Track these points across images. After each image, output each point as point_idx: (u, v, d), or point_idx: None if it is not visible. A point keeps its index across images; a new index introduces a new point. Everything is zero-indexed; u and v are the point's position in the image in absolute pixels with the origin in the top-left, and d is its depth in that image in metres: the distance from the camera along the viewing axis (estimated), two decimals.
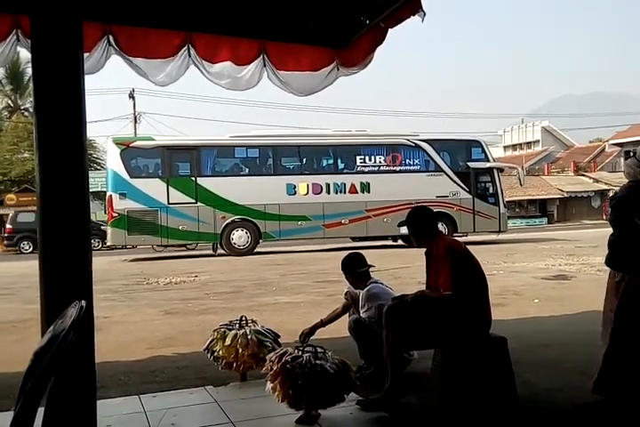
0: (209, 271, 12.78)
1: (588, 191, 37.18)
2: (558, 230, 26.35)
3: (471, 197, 18.54)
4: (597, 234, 21.73)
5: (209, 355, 4.01)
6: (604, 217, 35.52)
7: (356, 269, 4.22)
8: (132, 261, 16.99)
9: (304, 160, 18.60)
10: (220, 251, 17.76)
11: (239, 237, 17.46)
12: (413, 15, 3.62)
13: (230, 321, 4.15)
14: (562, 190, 36.61)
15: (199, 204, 17.08)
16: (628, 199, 3.48)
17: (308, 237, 18.53)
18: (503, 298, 7.16)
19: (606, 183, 37.55)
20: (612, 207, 3.68)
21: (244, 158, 18.16)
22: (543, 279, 9.62)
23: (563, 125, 54.88)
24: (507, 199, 20.96)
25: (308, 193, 17.89)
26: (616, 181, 37.66)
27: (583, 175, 40.59)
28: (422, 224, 3.71)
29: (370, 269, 4.26)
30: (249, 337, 3.85)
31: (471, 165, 18.76)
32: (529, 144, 51.77)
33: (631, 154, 3.66)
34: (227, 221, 17.30)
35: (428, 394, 3.63)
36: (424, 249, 3.74)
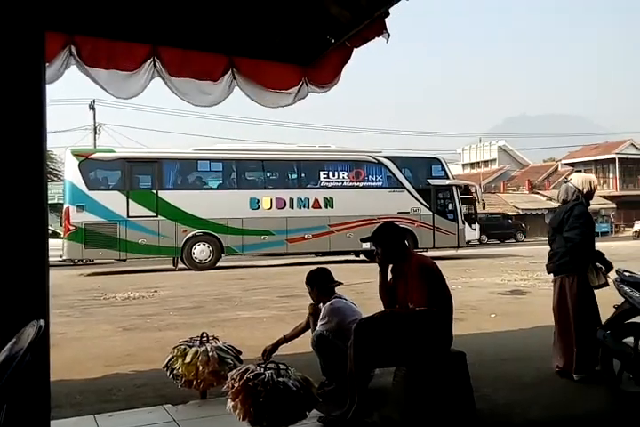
0: (169, 286, 12.56)
1: (541, 209, 38.29)
2: (514, 246, 26.95)
3: (431, 213, 18.88)
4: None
5: (168, 372, 3.92)
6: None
7: (322, 284, 4.22)
8: (88, 275, 16.54)
9: (268, 175, 18.63)
10: (180, 265, 17.48)
11: (201, 251, 17.25)
12: (378, 36, 3.75)
13: (191, 338, 4.08)
14: (517, 208, 37.65)
15: (160, 217, 16.81)
16: (555, 218, 4.40)
17: (271, 252, 18.45)
18: (462, 313, 7.26)
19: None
20: (549, 225, 4.55)
21: (207, 172, 18.04)
22: (500, 294, 9.83)
23: (518, 145, 56.68)
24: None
25: (271, 207, 17.85)
26: None
27: (537, 193, 41.86)
28: (392, 240, 3.74)
29: (335, 286, 4.26)
30: (210, 354, 3.79)
31: (432, 182, 19.15)
32: (486, 163, 53.07)
33: (565, 180, 4.47)
34: (188, 235, 17.08)
35: (389, 409, 3.63)
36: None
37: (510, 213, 37.40)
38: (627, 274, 4.04)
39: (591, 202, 4.44)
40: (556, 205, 31.15)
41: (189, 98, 4.12)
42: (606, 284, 4.30)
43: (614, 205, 40.26)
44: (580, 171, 44.72)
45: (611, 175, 44.35)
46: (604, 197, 41.00)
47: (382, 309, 3.72)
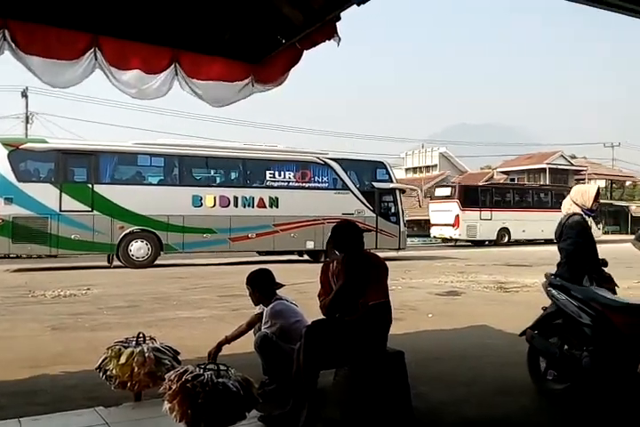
0: (103, 284, 12.11)
1: None
2: (451, 249, 27.69)
3: (375, 215, 19.06)
4: (484, 254, 23.18)
5: (101, 374, 3.78)
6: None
7: (263, 286, 4.19)
8: (15, 271, 15.77)
9: (212, 172, 18.28)
10: (116, 263, 16.89)
11: (138, 248, 16.72)
12: (329, 39, 3.78)
13: (126, 338, 3.95)
14: None
15: (95, 212, 16.14)
16: (556, 230, 4.42)
17: (213, 251, 18.14)
18: (401, 313, 7.39)
19: None
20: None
21: (148, 167, 17.44)
22: (437, 295, 10.05)
23: (458, 152, 58.25)
24: (407, 219, 21.82)
25: (214, 205, 17.49)
26: None
27: None
28: (353, 238, 3.75)
29: (277, 288, 4.24)
30: (146, 355, 3.69)
31: (376, 185, 19.36)
32: (428, 168, 54.29)
33: (569, 195, 4.49)
34: (125, 232, 16.48)
35: (330, 409, 3.65)
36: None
37: None
38: (554, 277, 4.22)
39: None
40: None
41: (131, 90, 4.01)
42: None
43: None
44: (515, 179, 46.71)
45: (542, 183, 46.39)
46: None
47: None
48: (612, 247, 25.74)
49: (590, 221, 4.59)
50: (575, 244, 4.18)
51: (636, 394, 3.55)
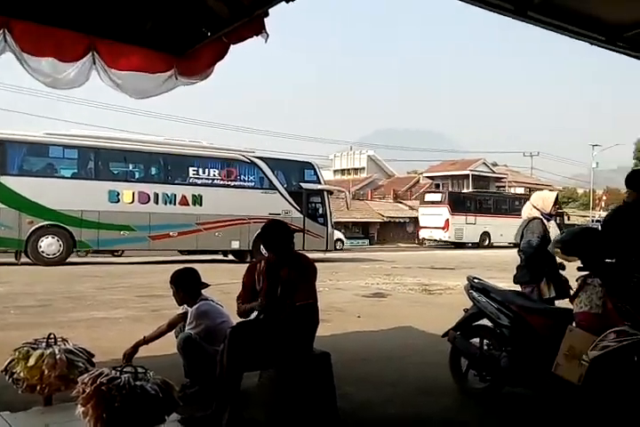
0: (10, 282, 11.38)
1: (404, 217, 40.34)
2: (378, 251, 28.20)
3: (302, 216, 19.00)
4: (410, 256, 23.80)
5: (7, 377, 3.53)
6: (417, 241, 39.01)
7: (189, 285, 4.08)
8: None
9: (131, 166, 17.54)
10: (24, 259, 15.88)
11: (49, 244, 15.77)
12: (257, 35, 3.73)
13: (35, 339, 3.71)
14: (382, 215, 39.36)
15: (1, 205, 15.12)
16: (517, 233, 4.62)
17: (131, 249, 17.49)
18: (328, 314, 7.40)
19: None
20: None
21: (60, 159, 16.52)
22: (363, 297, 10.17)
23: (386, 156, 59.40)
24: (334, 220, 21.96)
25: (133, 202, 16.79)
26: None
27: (400, 203, 44.12)
28: (284, 238, 3.71)
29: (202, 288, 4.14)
30: (57, 357, 3.47)
31: (304, 185, 19.31)
32: (356, 170, 55.04)
33: (529, 200, 4.73)
34: (34, 227, 15.52)
35: (254, 411, 3.60)
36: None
37: (375, 220, 39.12)
38: (475, 280, 4.35)
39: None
40: (417, 214, 33.84)
41: (46, 79, 3.77)
42: (557, 297, 4.45)
43: None
44: (439, 184, 48.39)
45: (465, 190, 48.12)
46: None
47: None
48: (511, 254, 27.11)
49: (550, 225, 4.83)
50: (534, 247, 4.35)
51: (551, 393, 3.69)
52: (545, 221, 4.58)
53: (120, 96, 4.22)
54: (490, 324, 4.14)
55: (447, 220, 31.94)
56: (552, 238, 4.31)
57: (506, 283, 5.07)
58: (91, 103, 34.43)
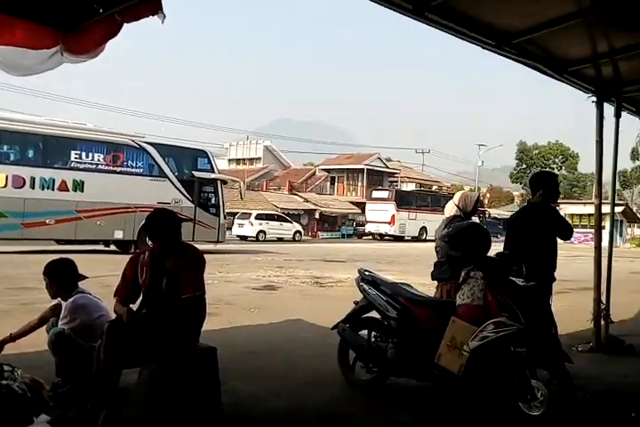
0: None
1: (298, 209, 40.78)
2: (271, 243, 28.23)
3: (193, 206, 18.48)
4: (302, 249, 24.08)
5: None
6: (310, 233, 39.62)
7: (64, 277, 3.84)
8: None
9: (5, 147, 16.06)
10: None
11: None
12: (153, 15, 3.56)
13: None
14: (277, 206, 39.47)
15: None
16: (438, 230, 4.65)
17: (1, 237, 15.88)
18: (216, 307, 7.26)
19: (314, 203, 41.93)
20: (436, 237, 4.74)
21: None
22: (254, 289, 10.11)
23: (283, 147, 59.57)
24: (227, 211, 21.61)
25: (6, 186, 15.38)
26: (322, 202, 42.45)
27: (295, 194, 44.51)
28: (170, 227, 3.56)
29: (79, 280, 3.93)
30: None
31: (196, 174, 18.75)
32: (252, 160, 54.67)
33: (452, 199, 4.78)
34: None
35: (132, 409, 3.45)
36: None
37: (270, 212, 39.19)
38: (366, 273, 4.43)
39: (342, 209, 4.70)
40: (312, 206, 34.39)
41: None
42: None
43: (360, 211, 44.70)
44: (335, 177, 49.33)
45: (359, 184, 49.33)
46: (353, 202, 45.44)
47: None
48: (418, 247, 28.60)
49: (615, 230, 5.02)
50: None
51: (434, 383, 3.85)
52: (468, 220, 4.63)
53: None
54: (379, 316, 4.21)
55: (393, 215, 34.98)
56: None
57: (395, 275, 5.24)
58: None
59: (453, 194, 5.80)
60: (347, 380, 4.35)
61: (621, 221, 36.97)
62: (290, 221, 33.96)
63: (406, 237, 36.50)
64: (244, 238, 31.15)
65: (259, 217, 31.70)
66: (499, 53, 4.71)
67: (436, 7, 3.94)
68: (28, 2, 3.76)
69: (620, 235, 37.12)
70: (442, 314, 3.75)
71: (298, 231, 33.85)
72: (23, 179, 15.64)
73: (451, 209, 4.72)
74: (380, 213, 35.71)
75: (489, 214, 42.70)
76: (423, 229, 36.13)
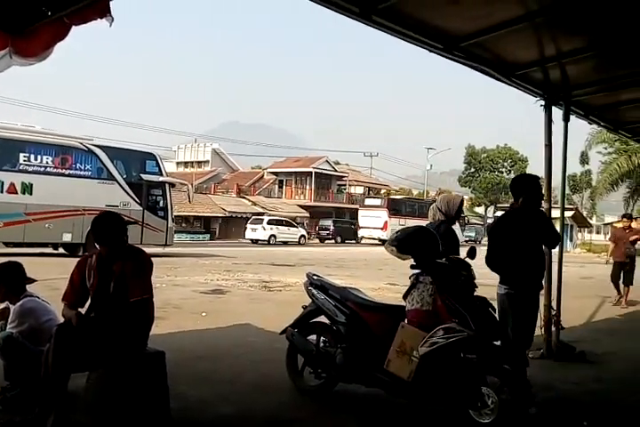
0: None
1: (247, 213, 40.50)
2: (219, 247, 27.93)
3: (141, 208, 18.24)
4: (251, 253, 23.97)
5: None
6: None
7: (11, 280, 3.82)
8: None
9: None
10: None
11: None
12: (101, 18, 3.58)
13: None
14: (225, 210, 39.16)
15: None
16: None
17: None
18: (164, 311, 7.21)
19: (262, 207, 41.81)
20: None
21: None
22: (202, 293, 10.06)
23: (231, 150, 58.86)
24: (175, 214, 21.35)
25: None
26: (270, 205, 42.35)
27: (244, 198, 44.26)
28: (115, 230, 3.56)
29: (27, 283, 3.92)
30: None
31: (144, 177, 18.55)
32: (200, 163, 53.86)
33: (435, 203, 4.65)
34: None
35: (80, 414, 3.44)
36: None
37: (217, 215, 38.79)
38: (315, 277, 4.44)
39: (291, 212, 4.59)
40: (260, 210, 34.45)
41: None
42: None
43: (308, 214, 44.75)
44: (283, 180, 48.96)
45: (307, 187, 49.33)
46: (301, 206, 45.52)
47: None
48: (367, 250, 28.89)
49: (457, 227, 4.88)
50: (445, 251, 4.17)
51: (383, 389, 3.80)
52: (451, 224, 4.58)
53: None
54: (328, 321, 4.21)
55: (386, 221, 37.81)
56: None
57: (343, 280, 5.29)
58: None
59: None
60: (295, 385, 4.34)
61: (571, 226, 38.05)
62: (296, 226, 36.80)
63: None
64: (255, 242, 33.70)
65: (270, 222, 34.71)
66: (446, 57, 4.69)
67: (383, 10, 3.91)
68: None
69: (571, 240, 38.01)
70: (391, 319, 3.73)
71: (302, 235, 36.63)
72: None
73: (434, 214, 4.64)
74: (373, 220, 38.43)
75: (468, 220, 43.85)
76: None
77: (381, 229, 37.92)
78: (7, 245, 17.05)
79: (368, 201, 42.44)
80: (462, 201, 4.75)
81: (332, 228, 40.98)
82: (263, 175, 52.02)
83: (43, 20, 3.84)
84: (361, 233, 40.25)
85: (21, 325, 3.68)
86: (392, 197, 45.82)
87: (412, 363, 3.41)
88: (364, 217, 39.83)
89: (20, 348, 3.62)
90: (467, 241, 42.28)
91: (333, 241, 40.55)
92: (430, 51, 4.59)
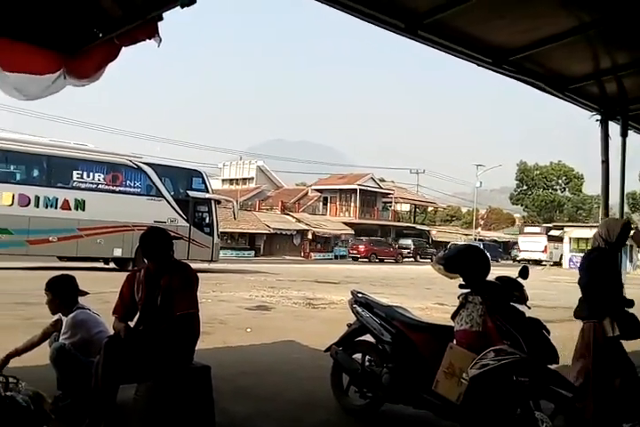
0: None
1: (291, 230, 40.86)
2: (263, 263, 28.21)
3: (188, 225, 18.62)
4: (295, 269, 24.05)
5: None
6: (303, 254, 39.58)
7: (65, 293, 3.93)
8: None
9: (11, 167, 16.58)
10: None
11: None
12: (149, 39, 3.70)
13: None
14: (269, 226, 39.49)
15: None
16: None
17: (7, 253, 16.15)
18: (210, 326, 7.28)
19: (306, 223, 41.97)
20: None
21: None
22: (247, 309, 10.13)
23: (275, 167, 59.46)
24: (220, 230, 21.68)
25: (12, 204, 15.81)
26: (314, 222, 42.50)
27: (288, 214, 44.54)
28: (162, 245, 3.64)
29: (80, 296, 4.02)
30: None
31: (191, 193, 18.98)
32: (245, 180, 54.71)
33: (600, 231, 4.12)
34: None
35: (130, 424, 3.51)
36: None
37: (262, 232, 39.15)
38: (360, 295, 4.38)
39: (335, 229, 4.44)
40: (304, 227, 34.72)
41: None
42: (623, 337, 3.82)
43: (353, 232, 44.48)
44: (327, 197, 49.07)
45: (352, 204, 49.20)
46: (346, 223, 45.38)
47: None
48: (411, 269, 28.56)
49: (624, 255, 4.54)
50: (591, 281, 3.90)
51: (431, 411, 3.70)
52: (612, 251, 4.07)
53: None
54: (373, 339, 4.13)
55: (545, 246, 44.78)
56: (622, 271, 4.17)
57: (389, 299, 5.22)
58: None
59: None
60: (340, 404, 4.28)
61: (631, 246, 36.54)
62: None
63: (550, 262, 43.45)
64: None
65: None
66: (496, 71, 4.56)
67: (428, 25, 3.86)
68: (32, 27, 3.90)
69: (630, 260, 36.54)
70: (439, 340, 3.64)
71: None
72: (28, 197, 16.08)
73: (594, 240, 4.09)
74: (534, 244, 44.85)
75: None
76: (561, 255, 44.17)
77: (542, 251, 44.74)
78: (61, 259, 17.82)
79: (527, 229, 49.63)
80: (626, 225, 4.10)
81: (412, 247, 45.17)
82: (307, 192, 52.14)
83: (94, 41, 3.99)
84: (521, 255, 45.66)
85: (74, 336, 3.78)
86: (546, 225, 51.06)
87: (461, 385, 3.30)
88: (525, 242, 46.21)
89: (72, 359, 3.71)
90: (518, 261, 43.56)
91: (412, 259, 42.67)
92: (479, 65, 4.49)
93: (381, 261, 39.40)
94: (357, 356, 4.26)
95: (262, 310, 10.13)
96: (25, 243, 15.99)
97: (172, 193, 18.69)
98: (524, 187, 61.92)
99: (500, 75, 4.70)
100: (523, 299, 3.51)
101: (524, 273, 3.62)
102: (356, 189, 48.34)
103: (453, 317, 3.64)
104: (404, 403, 3.91)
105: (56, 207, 16.51)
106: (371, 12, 3.71)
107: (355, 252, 40.30)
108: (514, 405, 3.31)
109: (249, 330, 7.78)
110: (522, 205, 62.37)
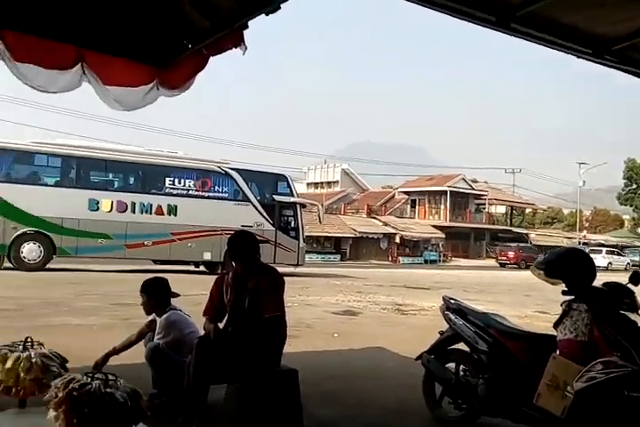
0: None
1: (377, 233, 40.47)
2: (350, 268, 28.14)
3: (274, 229, 18.97)
4: (383, 274, 23.79)
5: None
6: (390, 258, 39.14)
7: (159, 294, 4.08)
8: None
9: (110, 176, 17.80)
10: (6, 264, 15.96)
11: (30, 250, 15.84)
12: (235, 47, 3.80)
13: (13, 342, 3.65)
14: (355, 230, 39.36)
15: None
16: None
17: (107, 257, 17.35)
18: (297, 330, 7.31)
19: (393, 227, 41.45)
20: None
21: (45, 167, 16.76)
22: (334, 314, 10.08)
23: (360, 169, 59.14)
24: (306, 234, 21.89)
25: (111, 210, 16.90)
26: (401, 226, 41.91)
27: (374, 218, 44.15)
28: (249, 248, 3.72)
29: (172, 297, 4.15)
30: (33, 360, 3.43)
31: (277, 198, 19.31)
32: (329, 184, 54.76)
33: None
34: (17, 233, 15.63)
35: (220, 424, 3.58)
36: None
37: (348, 236, 39.11)
38: (452, 301, 4.20)
39: (424, 233, 4.24)
40: (391, 230, 34.56)
41: (34, 84, 3.78)
42: None
43: (443, 235, 43.23)
44: (415, 200, 47.85)
45: (442, 206, 47.71)
46: (435, 226, 44.18)
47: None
48: (510, 275, 27.43)
49: None
50: None
51: (532, 425, 3.50)
52: None
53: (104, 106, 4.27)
54: (467, 348, 3.96)
55: None
56: None
57: (483, 306, 5.00)
58: (75, 113, 34.13)
59: None
60: (433, 414, 4.12)
61: None
62: (624, 255, 46.03)
63: None
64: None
65: (608, 252, 43.44)
66: (597, 62, 4.26)
67: (521, 17, 3.68)
68: (127, 43, 4.12)
69: None
70: (539, 349, 3.44)
71: (627, 263, 43.84)
72: (126, 204, 17.10)
73: None
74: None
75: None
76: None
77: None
78: (155, 262, 18.76)
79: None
80: None
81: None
82: (394, 195, 51.24)
83: (184, 52, 4.14)
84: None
85: (167, 336, 3.91)
86: None
87: (565, 399, 3.06)
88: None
89: (166, 358, 3.84)
90: (631, 265, 41.16)
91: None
92: (578, 56, 4.20)
93: (527, 267, 38.31)
94: (450, 365, 4.08)
95: (349, 315, 10.06)
96: (123, 247, 17.05)
97: (259, 197, 19.10)
98: (634, 186, 57.25)
99: (601, 65, 4.34)
100: (634, 307, 3.24)
101: (635, 279, 3.34)
102: (445, 191, 46.78)
103: (556, 325, 3.41)
104: (502, 416, 3.70)
105: (151, 213, 17.43)
106: (460, 7, 3.57)
107: (504, 258, 40.10)
108: (625, 422, 3.02)
109: (336, 335, 7.73)
110: (631, 206, 57.94)
